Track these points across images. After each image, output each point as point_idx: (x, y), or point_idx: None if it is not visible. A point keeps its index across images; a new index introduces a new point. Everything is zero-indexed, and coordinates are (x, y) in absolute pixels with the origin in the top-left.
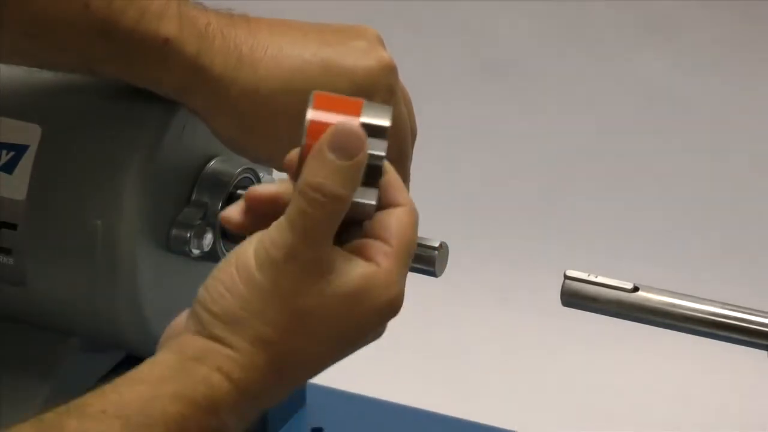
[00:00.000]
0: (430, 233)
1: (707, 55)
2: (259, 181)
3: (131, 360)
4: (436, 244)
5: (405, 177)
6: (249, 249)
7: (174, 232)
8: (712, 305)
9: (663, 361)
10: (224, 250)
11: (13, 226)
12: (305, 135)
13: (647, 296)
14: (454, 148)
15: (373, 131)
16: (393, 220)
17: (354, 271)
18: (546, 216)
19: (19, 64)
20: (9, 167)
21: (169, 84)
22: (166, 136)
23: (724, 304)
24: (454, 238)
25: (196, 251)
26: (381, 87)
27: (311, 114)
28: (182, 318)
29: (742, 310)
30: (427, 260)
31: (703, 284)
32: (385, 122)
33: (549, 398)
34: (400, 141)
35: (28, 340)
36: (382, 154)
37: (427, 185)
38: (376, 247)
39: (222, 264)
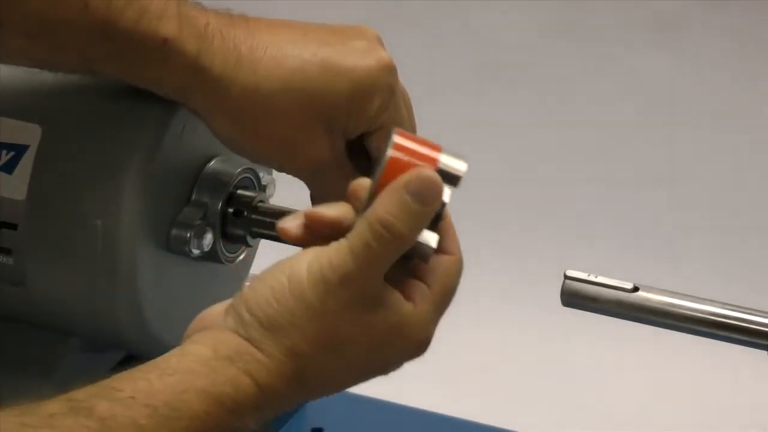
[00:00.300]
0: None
1: (708, 55)
2: (259, 181)
3: (131, 360)
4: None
5: None
6: (303, 263)
7: (174, 232)
8: (712, 305)
9: (663, 361)
10: (224, 250)
11: (13, 226)
12: (383, 170)
13: (647, 296)
14: (454, 148)
15: (446, 178)
16: (439, 267)
17: (394, 309)
18: (546, 216)
19: (18, 64)
20: (9, 167)
21: (168, 84)
22: (166, 136)
23: (724, 304)
24: None
25: (196, 251)
26: (381, 87)
27: (392, 152)
28: (215, 311)
29: (742, 310)
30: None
31: (703, 284)
32: (460, 172)
33: (549, 398)
34: None
35: (28, 340)
36: (447, 201)
37: None
38: (418, 288)
39: (273, 270)
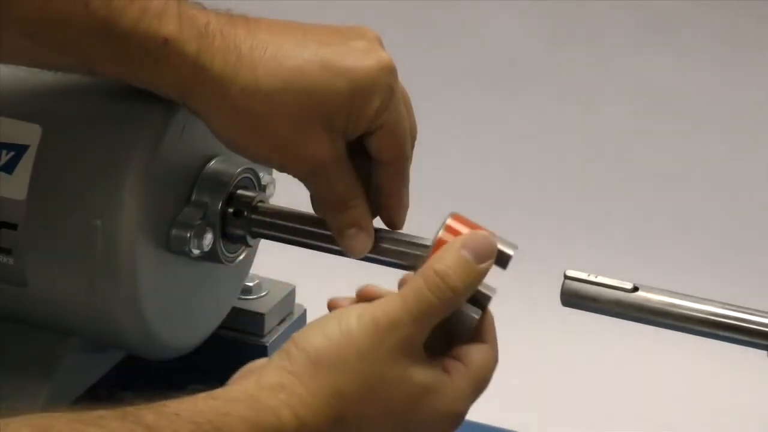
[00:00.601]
0: (428, 234)
1: (707, 55)
2: (259, 181)
3: (131, 360)
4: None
5: (404, 179)
6: (353, 311)
7: (174, 232)
8: (712, 305)
9: (663, 361)
10: (224, 250)
11: (13, 226)
12: (431, 250)
13: (647, 296)
14: (454, 149)
15: (498, 257)
16: (477, 353)
17: (433, 372)
18: (546, 216)
19: (19, 64)
20: (9, 167)
21: (168, 83)
22: (166, 136)
23: (724, 304)
24: None
25: (196, 251)
26: (380, 87)
27: (442, 233)
28: (261, 361)
29: (742, 310)
30: (425, 260)
31: (703, 284)
32: (510, 252)
33: (549, 398)
34: (398, 142)
35: (28, 340)
36: (493, 296)
37: (426, 185)
38: (456, 365)
39: (324, 317)
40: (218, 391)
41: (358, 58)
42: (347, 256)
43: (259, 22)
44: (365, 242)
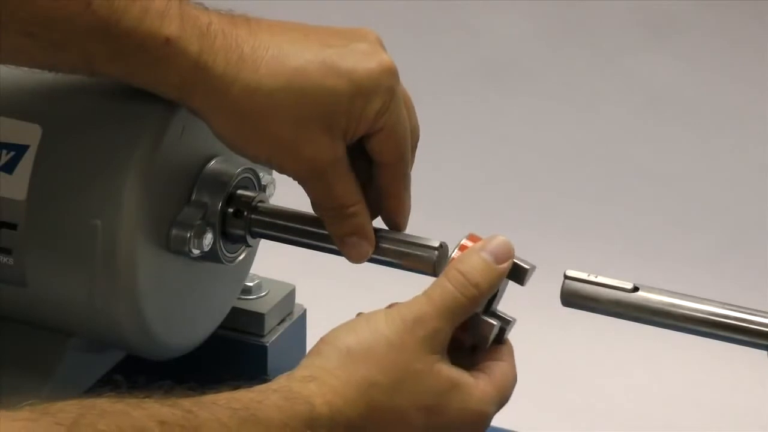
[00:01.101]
0: (429, 234)
1: (707, 55)
2: (259, 181)
3: (131, 360)
4: (436, 245)
5: (405, 181)
6: (380, 312)
7: (174, 232)
8: (712, 305)
9: (663, 361)
10: (224, 250)
11: (13, 226)
12: (454, 251)
13: (647, 296)
14: (454, 149)
15: (513, 273)
16: (498, 367)
17: (458, 372)
18: (546, 216)
19: (19, 64)
20: (9, 167)
21: (170, 84)
22: (166, 136)
23: (724, 304)
24: (454, 238)
25: (196, 251)
26: (381, 89)
27: (456, 252)
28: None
29: (742, 310)
30: (426, 261)
31: (703, 284)
32: (526, 266)
33: (549, 398)
34: (398, 144)
35: (28, 340)
36: (514, 322)
37: (426, 185)
38: (479, 374)
39: (353, 318)
40: (254, 387)
41: (359, 60)
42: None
43: (261, 23)
44: (365, 250)
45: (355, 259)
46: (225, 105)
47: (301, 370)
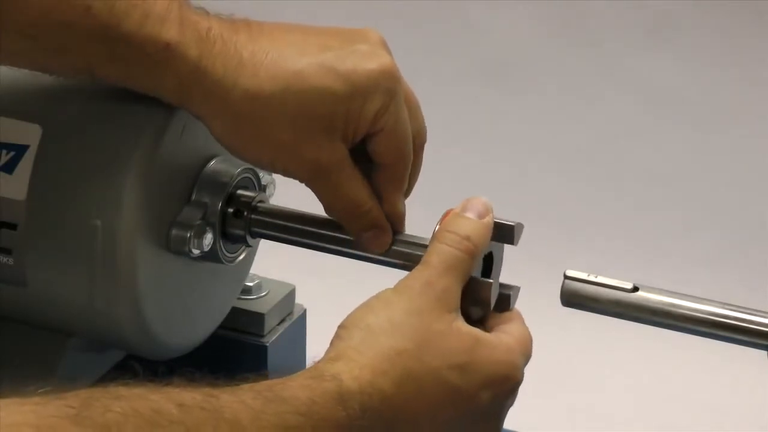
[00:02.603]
0: (429, 233)
1: (707, 55)
2: (259, 181)
3: (131, 360)
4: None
5: (402, 183)
6: (388, 290)
7: (174, 232)
8: (712, 305)
9: (663, 361)
10: (224, 250)
11: (13, 226)
12: (436, 227)
13: (647, 296)
14: (454, 148)
15: (500, 233)
16: (512, 326)
17: (477, 329)
18: (546, 216)
19: (19, 67)
20: (9, 167)
21: (169, 88)
22: (166, 136)
23: (724, 304)
24: None
25: (196, 251)
26: (380, 90)
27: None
28: None
29: (742, 310)
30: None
31: (703, 284)
32: (511, 223)
33: (549, 398)
34: (398, 144)
35: (28, 340)
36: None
37: (426, 185)
38: (496, 333)
39: (363, 302)
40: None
41: (358, 61)
42: (349, 257)
43: (262, 27)
44: (385, 241)
45: (376, 252)
46: (224, 110)
47: (326, 353)
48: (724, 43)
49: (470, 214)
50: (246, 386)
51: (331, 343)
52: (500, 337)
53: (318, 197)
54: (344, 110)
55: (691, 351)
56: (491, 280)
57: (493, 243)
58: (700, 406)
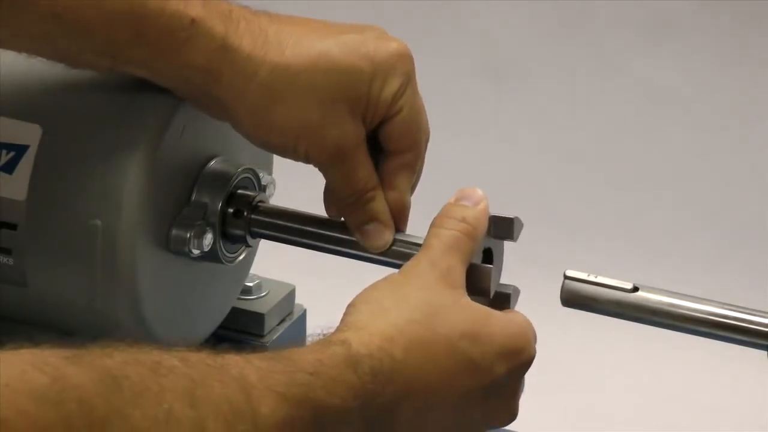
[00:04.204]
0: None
1: (707, 55)
2: (259, 181)
3: None
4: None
5: (412, 174)
6: (394, 273)
7: (174, 232)
8: (712, 305)
9: (663, 361)
10: (224, 250)
11: (13, 226)
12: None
13: (647, 296)
14: (453, 148)
15: (499, 227)
16: (518, 314)
17: (478, 305)
18: (546, 216)
19: (42, 54)
20: (9, 167)
21: (196, 66)
22: (166, 136)
23: (724, 304)
24: None
25: (196, 251)
26: (398, 71)
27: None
28: None
29: (742, 310)
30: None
31: (702, 284)
32: (510, 216)
33: (549, 398)
34: (412, 130)
35: (28, 340)
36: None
37: (425, 185)
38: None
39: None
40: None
41: (378, 43)
42: (349, 257)
43: (279, 15)
44: (386, 236)
45: (377, 246)
46: (252, 88)
47: (335, 329)
48: (724, 43)
49: (465, 202)
50: (256, 354)
51: (341, 320)
52: (508, 315)
53: (331, 181)
54: (366, 89)
55: (691, 351)
56: (491, 266)
57: (493, 240)
58: (700, 406)
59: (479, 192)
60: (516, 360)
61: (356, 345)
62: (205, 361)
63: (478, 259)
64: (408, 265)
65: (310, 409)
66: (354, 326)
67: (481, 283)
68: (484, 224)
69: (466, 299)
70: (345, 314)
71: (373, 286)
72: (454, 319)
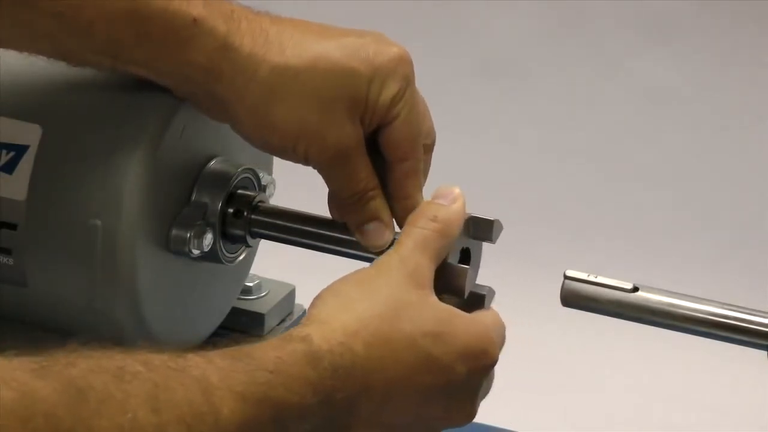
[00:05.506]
0: None
1: (707, 55)
2: (259, 181)
3: None
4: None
5: (417, 180)
6: (363, 268)
7: (174, 232)
8: (712, 305)
9: (663, 361)
10: (224, 251)
11: (13, 226)
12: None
13: (647, 296)
14: (453, 148)
15: (478, 229)
16: (486, 312)
17: (445, 305)
18: (546, 216)
19: (44, 53)
20: (9, 167)
21: (197, 65)
22: (166, 136)
23: (723, 304)
24: None
25: (196, 251)
26: (397, 75)
27: None
28: None
29: (742, 310)
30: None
31: (702, 284)
32: (490, 218)
33: (549, 398)
34: (412, 135)
35: (28, 340)
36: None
37: (426, 185)
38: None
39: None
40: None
41: (378, 47)
42: (349, 257)
43: (280, 17)
44: (386, 236)
45: (377, 246)
46: (252, 87)
47: (299, 326)
48: (724, 43)
49: (440, 201)
50: (215, 350)
51: (307, 312)
52: (475, 316)
53: (330, 182)
54: (365, 93)
55: (691, 351)
56: (467, 267)
57: (472, 240)
58: (700, 406)
59: (456, 190)
60: (476, 361)
61: (317, 340)
62: (167, 363)
63: (455, 259)
64: (379, 260)
65: (269, 408)
66: (317, 319)
67: (456, 282)
68: (457, 222)
69: (433, 298)
70: (311, 306)
71: (343, 279)
72: (418, 317)
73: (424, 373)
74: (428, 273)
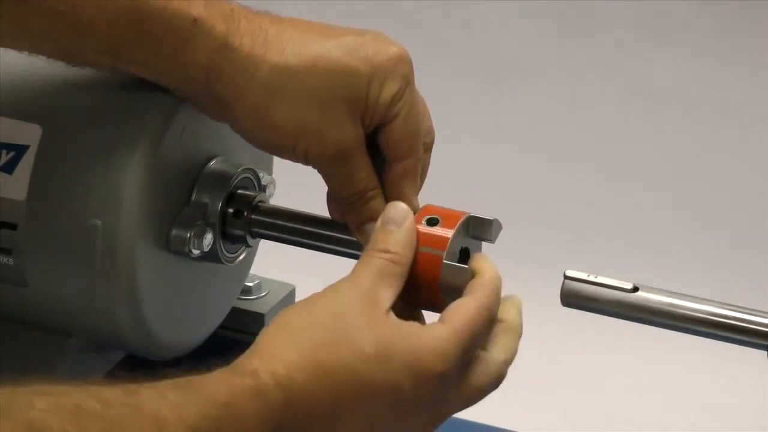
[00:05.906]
0: None
1: (707, 55)
2: (259, 181)
3: (131, 360)
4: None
5: (415, 180)
6: (315, 293)
7: (174, 232)
8: (712, 305)
9: (663, 361)
10: (224, 251)
11: (13, 226)
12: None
13: (647, 296)
14: (453, 148)
15: (477, 229)
16: (456, 309)
17: (406, 322)
18: (546, 216)
19: (43, 53)
20: (9, 167)
21: (197, 65)
22: (166, 136)
23: (723, 304)
24: None
25: (196, 251)
26: (397, 74)
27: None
28: None
29: (742, 310)
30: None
31: (702, 284)
32: (489, 218)
33: (549, 398)
34: (412, 134)
35: (28, 340)
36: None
37: (426, 185)
38: (432, 323)
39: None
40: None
41: (378, 46)
42: (349, 257)
43: (280, 16)
44: None
45: None
46: (251, 86)
47: (245, 354)
48: (724, 42)
49: (390, 227)
50: (167, 381)
51: (254, 342)
52: (429, 328)
53: (330, 182)
54: (364, 93)
55: (691, 351)
56: (466, 267)
57: (471, 240)
58: (700, 406)
59: (402, 210)
60: (424, 375)
61: (263, 375)
62: (122, 400)
63: (454, 259)
64: (330, 286)
65: None
66: (262, 352)
67: (456, 282)
68: (410, 245)
69: (381, 314)
70: (260, 334)
71: (290, 307)
72: (360, 340)
73: (367, 401)
74: (383, 295)
